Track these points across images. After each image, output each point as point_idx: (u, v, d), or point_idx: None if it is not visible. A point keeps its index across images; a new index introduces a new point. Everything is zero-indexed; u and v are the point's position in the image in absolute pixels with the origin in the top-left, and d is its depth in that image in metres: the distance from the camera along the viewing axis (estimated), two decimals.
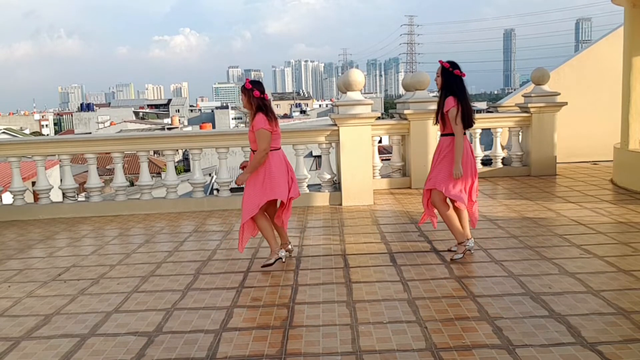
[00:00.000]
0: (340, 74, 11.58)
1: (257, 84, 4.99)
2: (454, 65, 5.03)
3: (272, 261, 5.01)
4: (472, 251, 5.14)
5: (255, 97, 4.93)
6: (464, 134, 5.03)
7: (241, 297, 4.32)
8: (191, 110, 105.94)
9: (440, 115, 5.05)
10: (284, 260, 5.12)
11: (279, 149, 5.09)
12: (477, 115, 11.89)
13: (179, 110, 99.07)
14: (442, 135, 5.14)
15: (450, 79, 4.99)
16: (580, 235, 5.70)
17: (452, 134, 4.97)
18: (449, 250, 5.29)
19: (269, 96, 5.17)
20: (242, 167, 5.17)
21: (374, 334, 3.53)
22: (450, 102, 4.93)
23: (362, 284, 4.51)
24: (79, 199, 9.21)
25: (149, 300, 4.36)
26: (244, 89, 5.00)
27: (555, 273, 4.57)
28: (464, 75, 5.05)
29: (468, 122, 5.00)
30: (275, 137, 5.01)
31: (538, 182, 8.98)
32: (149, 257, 5.64)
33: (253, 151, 5.00)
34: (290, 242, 5.42)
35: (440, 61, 5.11)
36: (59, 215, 7.95)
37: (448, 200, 5.12)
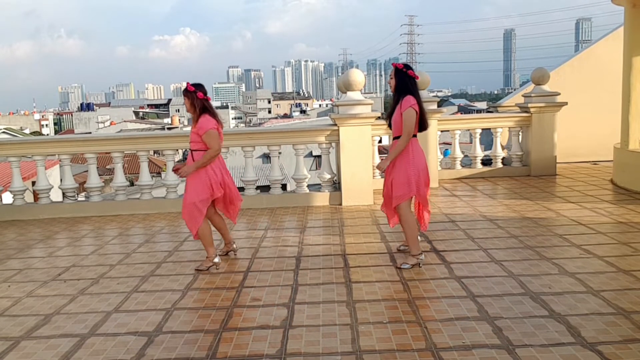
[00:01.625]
0: (340, 74, 11.59)
1: (200, 87, 4.98)
2: (407, 66, 4.94)
3: (205, 267, 5.04)
4: (422, 265, 4.90)
5: (199, 99, 4.93)
6: (415, 136, 4.89)
7: (241, 297, 4.32)
8: None
9: (393, 117, 4.89)
10: (218, 267, 5.10)
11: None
12: (476, 115, 11.93)
13: (179, 110, 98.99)
14: (395, 138, 4.95)
15: (405, 79, 4.87)
16: (580, 235, 5.70)
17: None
18: (398, 251, 5.30)
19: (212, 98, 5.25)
20: (175, 169, 5.17)
21: (374, 334, 3.53)
22: (411, 100, 4.78)
23: (362, 283, 4.51)
24: (79, 199, 9.21)
25: (149, 300, 4.36)
26: (186, 92, 4.98)
27: (555, 273, 4.57)
28: (417, 77, 4.97)
29: (423, 125, 4.90)
30: (221, 140, 5.04)
31: (538, 182, 8.98)
32: (149, 256, 5.64)
33: (192, 151, 5.01)
34: (234, 242, 5.52)
35: (393, 64, 5.02)
36: (59, 215, 7.95)
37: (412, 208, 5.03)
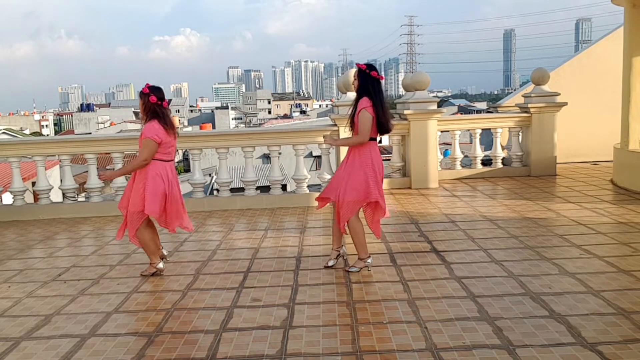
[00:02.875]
0: (340, 74, 11.59)
1: (156, 90, 4.78)
2: (370, 67, 4.75)
3: (149, 273, 4.98)
4: (370, 269, 4.87)
5: (151, 103, 4.72)
6: (376, 140, 4.76)
7: (241, 297, 4.32)
8: (191, 111, 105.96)
9: (353, 120, 4.75)
10: (162, 272, 5.00)
11: (171, 161, 4.89)
12: (476, 116, 11.93)
13: (179, 111, 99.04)
14: None
15: (367, 80, 4.69)
16: (580, 235, 5.70)
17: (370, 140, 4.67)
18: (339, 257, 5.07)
19: (168, 104, 5.01)
20: (100, 175, 5.10)
21: (374, 334, 3.53)
22: (365, 102, 4.63)
23: (362, 284, 4.51)
24: (79, 199, 9.21)
25: (149, 300, 4.36)
26: (141, 94, 4.80)
27: (555, 273, 4.57)
28: (382, 78, 4.79)
29: (383, 128, 4.71)
30: (170, 149, 4.83)
31: (538, 182, 8.98)
32: None
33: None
34: (163, 247, 5.23)
35: (357, 64, 4.85)
36: (59, 216, 7.95)
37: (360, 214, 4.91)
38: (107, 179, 4.92)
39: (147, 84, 4.84)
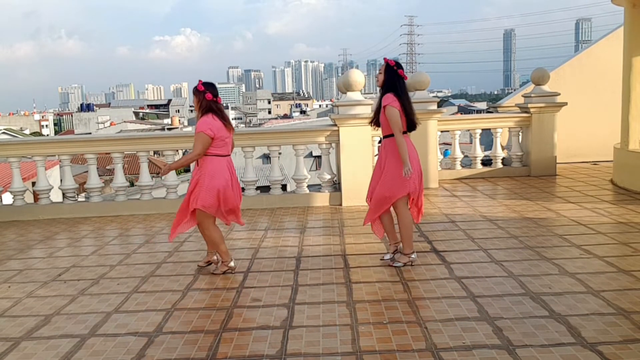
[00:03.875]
0: (340, 74, 11.59)
1: (210, 86, 4.79)
2: (398, 64, 4.82)
3: (221, 271, 4.92)
4: (413, 264, 4.92)
5: (207, 100, 4.73)
6: (405, 133, 4.81)
7: (241, 298, 4.32)
8: (191, 111, 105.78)
9: (380, 117, 4.82)
10: (234, 271, 4.96)
11: (228, 155, 4.87)
12: (476, 116, 11.92)
13: (179, 111, 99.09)
14: (385, 137, 4.90)
15: (394, 77, 4.75)
16: (580, 235, 5.70)
17: (391, 135, 4.78)
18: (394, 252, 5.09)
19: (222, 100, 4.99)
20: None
21: (374, 334, 3.53)
22: (389, 98, 4.68)
23: (362, 284, 4.51)
24: (79, 199, 9.21)
25: (149, 300, 4.36)
26: (195, 91, 4.79)
27: (555, 273, 4.57)
28: (406, 78, 4.87)
29: (411, 124, 4.80)
30: (226, 144, 4.80)
31: (538, 182, 8.98)
32: (149, 257, 5.64)
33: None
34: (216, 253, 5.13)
35: (385, 59, 4.88)
36: (59, 216, 7.95)
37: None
38: (166, 173, 4.89)
39: (200, 80, 4.83)
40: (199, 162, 4.81)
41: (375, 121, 4.95)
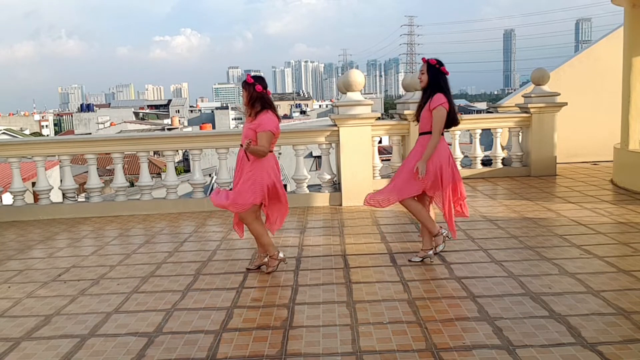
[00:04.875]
0: (340, 75, 11.59)
1: (260, 79, 4.78)
2: (440, 62, 4.89)
3: (274, 267, 4.89)
4: (432, 260, 5.02)
5: (257, 92, 4.70)
6: (442, 134, 4.89)
7: (241, 298, 4.32)
8: (191, 111, 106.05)
9: (422, 113, 4.89)
10: (285, 261, 4.99)
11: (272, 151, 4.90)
12: (476, 116, 11.94)
13: (179, 111, 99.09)
14: (421, 134, 4.94)
15: (438, 76, 4.83)
16: (580, 235, 5.70)
17: (429, 132, 4.83)
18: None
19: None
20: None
21: (374, 335, 3.53)
22: (441, 98, 4.75)
23: (362, 284, 4.51)
24: (79, 200, 9.21)
25: (149, 300, 4.36)
26: (245, 84, 4.76)
27: (555, 273, 4.57)
28: (448, 73, 4.91)
29: (454, 122, 4.89)
30: (276, 139, 4.87)
31: (538, 182, 8.98)
32: (149, 257, 5.64)
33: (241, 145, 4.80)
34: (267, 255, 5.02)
35: (424, 59, 4.97)
36: (59, 216, 7.95)
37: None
38: (249, 150, 4.67)
39: (249, 74, 4.81)
40: (249, 156, 4.73)
41: (417, 117, 5.02)
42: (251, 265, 5.08)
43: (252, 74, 4.88)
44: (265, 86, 4.75)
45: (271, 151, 4.86)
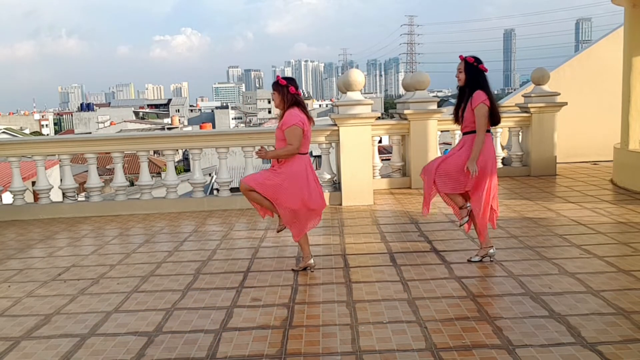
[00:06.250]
0: (340, 74, 11.59)
1: (292, 81, 4.67)
2: (478, 59, 4.76)
3: (300, 268, 4.85)
4: (492, 259, 4.97)
5: (291, 94, 4.59)
6: (489, 131, 4.80)
7: (241, 297, 4.32)
8: (191, 110, 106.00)
9: (463, 112, 4.79)
10: (313, 268, 4.86)
11: (307, 154, 4.69)
12: None
13: (179, 110, 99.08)
14: (465, 133, 4.85)
15: (477, 74, 4.73)
16: (580, 235, 5.70)
17: (474, 132, 4.73)
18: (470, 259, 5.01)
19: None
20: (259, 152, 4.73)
21: (374, 334, 3.53)
22: (482, 95, 4.65)
23: (362, 284, 4.51)
24: (79, 199, 9.21)
25: (149, 300, 4.36)
26: (277, 86, 4.63)
27: (555, 273, 4.57)
28: (487, 70, 4.77)
29: (496, 119, 4.77)
30: (308, 140, 4.66)
31: (538, 182, 8.98)
32: (149, 257, 5.64)
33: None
34: (312, 255, 4.94)
35: (461, 56, 4.83)
36: (59, 215, 7.95)
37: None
38: (263, 157, 4.65)
39: (278, 76, 4.70)
40: (279, 159, 4.65)
41: (457, 117, 4.92)
42: (297, 267, 4.94)
43: (281, 75, 4.76)
44: (297, 87, 4.64)
45: (304, 153, 4.66)
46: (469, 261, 4.95)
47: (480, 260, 4.94)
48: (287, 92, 4.60)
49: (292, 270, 4.92)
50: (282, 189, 4.64)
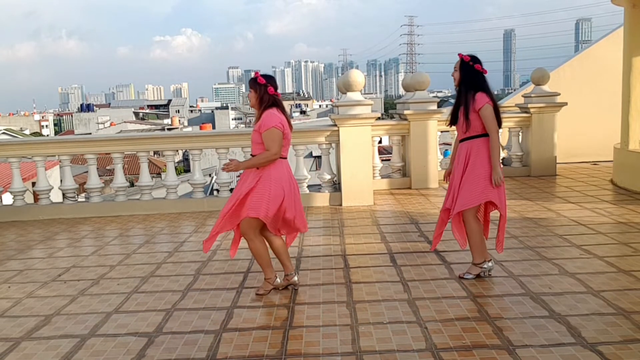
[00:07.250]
0: (340, 75, 11.58)
1: (271, 79, 4.22)
2: (474, 59, 4.40)
3: (266, 291, 4.37)
4: (490, 274, 4.58)
5: (269, 95, 4.17)
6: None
7: (241, 298, 4.32)
8: (191, 111, 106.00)
9: (463, 116, 4.39)
10: (280, 288, 4.43)
11: (286, 158, 4.28)
12: None
13: (179, 111, 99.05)
14: (462, 140, 4.46)
15: (471, 74, 4.38)
16: (580, 235, 5.70)
17: (480, 136, 4.36)
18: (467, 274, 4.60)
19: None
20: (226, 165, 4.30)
21: (374, 335, 3.53)
22: (484, 97, 4.31)
23: (362, 284, 4.51)
24: (79, 200, 9.22)
25: (149, 300, 4.36)
26: (254, 84, 4.20)
27: (555, 273, 4.57)
28: (486, 72, 4.42)
29: (499, 122, 4.41)
30: (287, 143, 4.25)
31: (538, 182, 8.98)
32: (149, 257, 5.64)
33: (252, 156, 4.22)
34: (295, 272, 4.51)
35: (460, 54, 4.47)
36: (59, 216, 7.95)
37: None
38: (234, 170, 4.19)
39: (257, 72, 4.23)
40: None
41: (453, 120, 4.54)
42: (280, 286, 4.47)
43: (260, 72, 4.26)
44: (276, 87, 4.25)
45: (283, 157, 4.23)
46: (461, 277, 4.55)
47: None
48: (265, 91, 4.17)
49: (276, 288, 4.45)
50: (271, 198, 4.15)
